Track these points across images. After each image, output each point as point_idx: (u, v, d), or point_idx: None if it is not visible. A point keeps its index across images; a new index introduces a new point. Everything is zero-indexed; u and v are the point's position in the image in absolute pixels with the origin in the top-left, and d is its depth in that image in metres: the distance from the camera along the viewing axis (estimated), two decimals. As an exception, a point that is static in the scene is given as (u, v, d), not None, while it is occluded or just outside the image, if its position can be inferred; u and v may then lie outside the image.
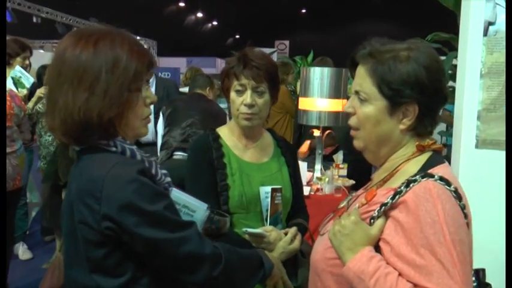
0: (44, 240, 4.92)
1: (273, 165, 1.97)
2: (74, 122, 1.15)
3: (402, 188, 1.15)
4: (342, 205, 1.40)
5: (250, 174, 1.89)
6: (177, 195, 1.35)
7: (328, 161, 4.21)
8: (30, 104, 4.09)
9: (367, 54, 1.25)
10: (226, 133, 1.97)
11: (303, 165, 3.37)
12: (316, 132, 3.88)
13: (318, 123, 3.79)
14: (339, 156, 4.27)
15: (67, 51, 1.17)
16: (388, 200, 1.16)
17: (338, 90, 3.74)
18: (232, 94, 1.87)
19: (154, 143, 4.27)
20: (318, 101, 3.71)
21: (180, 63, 16.59)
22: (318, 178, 3.81)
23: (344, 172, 4.26)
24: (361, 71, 1.27)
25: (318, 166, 3.95)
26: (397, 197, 1.14)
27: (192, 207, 1.41)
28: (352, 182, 4.11)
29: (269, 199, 1.82)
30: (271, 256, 1.52)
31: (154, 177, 1.24)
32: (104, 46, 1.16)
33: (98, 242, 1.13)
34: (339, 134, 4.30)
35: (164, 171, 1.30)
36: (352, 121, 1.30)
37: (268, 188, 1.82)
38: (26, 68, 4.37)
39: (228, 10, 24.61)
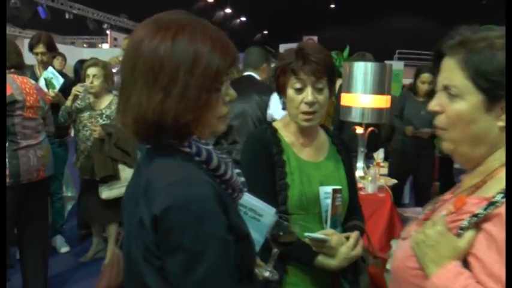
0: (80, 233, 4.93)
1: (329, 164, 1.87)
2: (146, 123, 1.04)
3: (498, 198, 1.02)
4: (427, 210, 1.27)
5: (309, 173, 1.79)
6: (245, 197, 1.25)
7: (367, 158, 4.09)
8: (68, 103, 4.11)
9: (456, 44, 1.12)
10: (282, 129, 1.86)
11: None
12: (359, 130, 3.76)
13: (361, 120, 3.66)
14: (379, 155, 4.15)
15: (143, 43, 1.05)
16: (480, 210, 1.03)
17: (382, 86, 3.61)
18: (290, 91, 1.76)
19: None
20: (361, 97, 3.59)
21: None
22: (361, 177, 3.70)
23: (385, 171, 4.14)
24: (449, 64, 1.13)
25: (360, 164, 3.84)
26: (491, 208, 1.02)
27: (260, 211, 1.32)
28: (394, 181, 3.98)
29: (329, 200, 1.71)
30: None
31: (228, 181, 1.14)
32: (183, 40, 1.03)
33: (154, 250, 1.02)
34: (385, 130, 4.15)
35: (238, 171, 1.20)
36: (440, 121, 1.16)
37: (329, 189, 1.72)
38: (45, 64, 4.40)
39: (256, 5, 24.51)
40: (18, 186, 3.12)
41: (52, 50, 4.46)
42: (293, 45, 1.83)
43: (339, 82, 4.55)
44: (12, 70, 3.24)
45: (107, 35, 17.46)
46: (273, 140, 1.79)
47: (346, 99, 3.71)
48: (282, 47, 15.65)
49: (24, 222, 3.34)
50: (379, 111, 3.63)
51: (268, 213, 1.35)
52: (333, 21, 26.69)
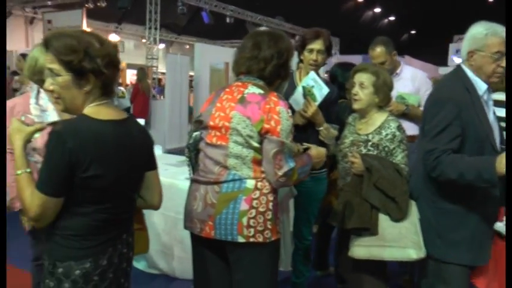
0: (317, 274, 3.97)
1: None
2: None
3: None
4: None
5: None
6: None
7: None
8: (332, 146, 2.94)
9: None
10: None
11: None
12: None
13: None
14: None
15: None
16: None
17: None
18: None
19: None
20: None
21: (356, 61, 16.65)
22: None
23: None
24: None
25: None
26: None
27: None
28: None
29: None
30: None
31: None
32: None
33: None
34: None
35: None
36: None
37: None
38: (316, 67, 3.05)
39: (406, 4, 23.69)
40: (192, 235, 2.24)
41: (330, 51, 3.09)
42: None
43: None
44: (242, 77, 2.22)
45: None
46: None
47: None
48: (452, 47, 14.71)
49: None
50: None
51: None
52: (489, 16, 24.70)
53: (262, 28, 2.10)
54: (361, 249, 2.45)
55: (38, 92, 2.46)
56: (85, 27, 12.39)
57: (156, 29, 12.98)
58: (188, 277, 3.67)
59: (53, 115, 2.41)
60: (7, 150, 2.36)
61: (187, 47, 23.40)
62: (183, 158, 4.31)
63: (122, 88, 12.73)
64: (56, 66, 1.59)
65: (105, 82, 1.65)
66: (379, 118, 2.66)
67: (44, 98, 2.44)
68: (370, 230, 2.43)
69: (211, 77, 10.81)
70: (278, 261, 2.26)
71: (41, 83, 2.38)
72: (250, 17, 15.48)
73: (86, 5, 14.02)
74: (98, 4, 14.31)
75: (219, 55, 10.99)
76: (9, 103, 2.48)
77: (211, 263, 2.22)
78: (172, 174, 3.73)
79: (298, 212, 3.07)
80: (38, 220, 1.57)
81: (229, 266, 2.17)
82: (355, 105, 2.69)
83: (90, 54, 1.58)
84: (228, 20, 14.51)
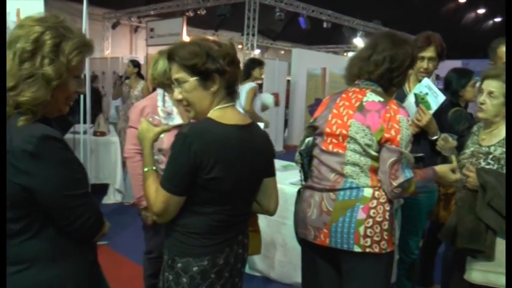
0: None
1: None
2: None
3: None
4: None
5: None
6: None
7: None
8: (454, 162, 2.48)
9: None
10: None
11: None
12: None
13: None
14: None
15: None
16: None
17: None
18: None
19: None
20: None
21: (455, 66, 15.81)
22: None
23: None
24: None
25: None
26: None
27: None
28: None
29: None
30: None
31: None
32: None
33: None
34: None
35: None
36: None
37: None
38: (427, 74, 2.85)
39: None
40: (304, 241, 2.20)
41: (442, 56, 2.88)
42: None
43: None
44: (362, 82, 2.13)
45: (351, 43, 17.89)
46: None
47: None
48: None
49: None
50: None
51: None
52: None
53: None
54: (478, 273, 2.24)
55: (164, 95, 2.60)
56: (185, 34, 12.92)
57: (253, 35, 13.22)
58: (287, 281, 3.70)
59: (177, 118, 2.54)
60: (137, 151, 2.55)
61: (282, 52, 23.61)
62: (286, 162, 4.38)
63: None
64: (181, 75, 1.67)
65: (229, 81, 1.70)
66: (505, 129, 2.32)
67: (169, 102, 2.58)
68: (485, 253, 2.18)
69: (307, 82, 10.85)
70: (391, 273, 2.16)
71: (169, 87, 2.49)
72: (347, 21, 15.30)
73: (186, 13, 14.61)
74: (198, 12, 14.83)
75: (316, 60, 11.01)
76: (139, 104, 2.67)
77: (323, 270, 2.19)
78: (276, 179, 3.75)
79: (406, 224, 2.92)
80: (160, 216, 1.65)
81: (341, 275, 2.12)
82: (480, 114, 2.41)
83: (212, 56, 1.64)
84: (325, 24, 14.43)
